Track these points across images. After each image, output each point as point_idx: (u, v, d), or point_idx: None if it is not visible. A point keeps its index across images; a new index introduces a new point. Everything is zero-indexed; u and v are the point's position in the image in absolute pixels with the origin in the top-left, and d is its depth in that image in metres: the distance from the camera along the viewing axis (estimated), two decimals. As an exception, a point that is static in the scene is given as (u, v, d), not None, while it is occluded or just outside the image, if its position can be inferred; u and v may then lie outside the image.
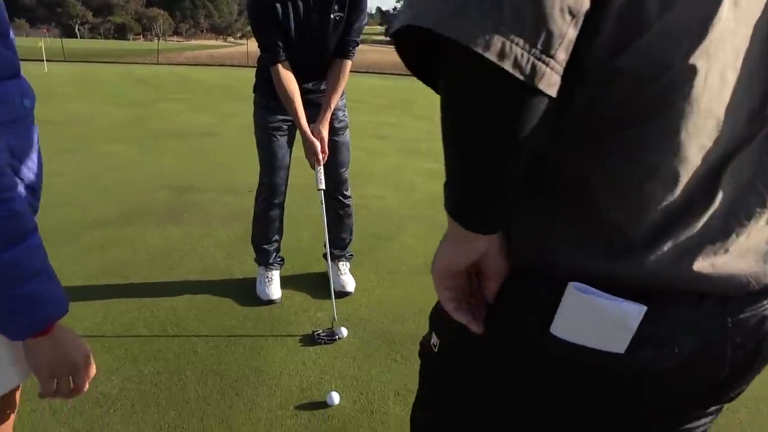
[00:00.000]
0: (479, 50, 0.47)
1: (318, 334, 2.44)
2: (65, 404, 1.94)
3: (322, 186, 2.54)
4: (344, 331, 2.46)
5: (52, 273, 0.87)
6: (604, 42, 0.51)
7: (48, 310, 0.85)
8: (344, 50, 2.42)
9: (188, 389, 2.08)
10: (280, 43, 2.28)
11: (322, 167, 2.51)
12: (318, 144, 2.43)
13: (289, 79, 2.33)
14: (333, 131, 2.57)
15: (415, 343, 2.47)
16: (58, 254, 3.13)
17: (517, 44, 0.47)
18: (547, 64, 0.48)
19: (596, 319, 0.61)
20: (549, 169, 0.61)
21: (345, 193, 2.76)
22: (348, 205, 2.80)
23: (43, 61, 19.38)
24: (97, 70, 19.92)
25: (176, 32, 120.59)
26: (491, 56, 0.47)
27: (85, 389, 0.94)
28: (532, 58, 0.47)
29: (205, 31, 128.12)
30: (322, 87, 2.51)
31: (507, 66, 0.47)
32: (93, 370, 0.95)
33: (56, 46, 29.49)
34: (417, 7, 0.50)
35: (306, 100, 2.43)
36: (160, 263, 3.14)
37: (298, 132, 2.50)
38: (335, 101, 2.46)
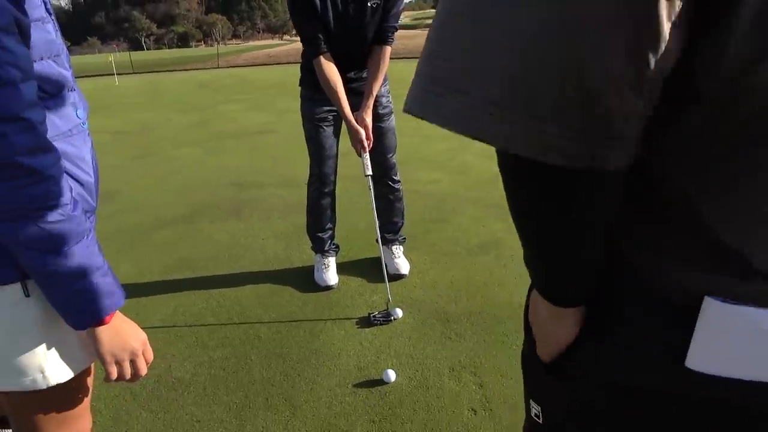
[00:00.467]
0: (517, 152, 0.40)
1: (374, 316, 2.50)
2: (144, 389, 2.11)
3: (370, 172, 2.59)
4: (399, 312, 2.52)
5: (108, 268, 0.97)
6: (730, 61, 0.41)
7: (106, 302, 0.94)
8: (383, 37, 2.45)
9: (254, 372, 2.20)
10: (320, 36, 2.34)
11: (368, 154, 2.56)
12: (362, 131, 2.48)
13: (331, 69, 2.39)
14: (378, 117, 2.61)
15: (470, 320, 2.50)
16: (133, 252, 3.37)
17: (563, 137, 0.39)
18: (610, 147, 0.40)
19: (749, 340, 0.48)
20: (657, 190, 0.51)
21: (394, 177, 2.80)
22: (398, 190, 2.84)
23: (113, 74, 20.52)
24: (162, 78, 20.89)
25: (235, 35, 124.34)
26: (533, 154, 0.40)
27: (144, 372, 1.04)
28: (585, 146, 0.39)
29: (261, 31, 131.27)
30: (364, 75, 2.56)
31: (556, 160, 0.40)
32: (150, 355, 1.05)
33: (125, 60, 31.15)
34: (432, 95, 0.44)
35: (349, 89, 2.48)
36: (225, 256, 3.31)
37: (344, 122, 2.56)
38: (377, 88, 2.50)
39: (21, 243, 0.85)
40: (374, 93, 2.48)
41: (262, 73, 20.83)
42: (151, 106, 11.76)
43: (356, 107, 2.49)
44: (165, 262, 3.26)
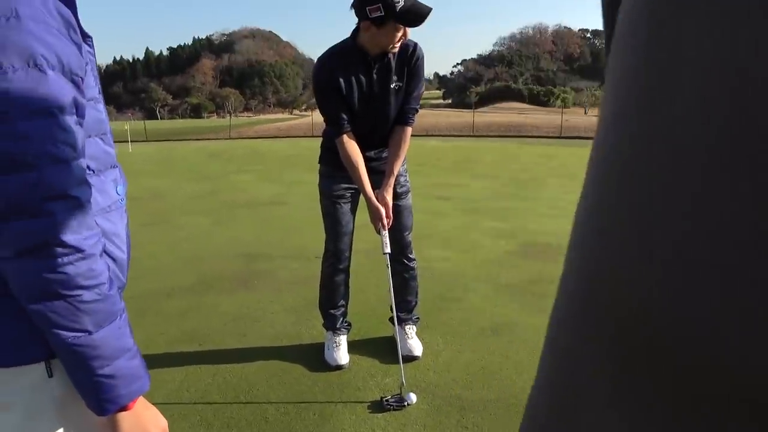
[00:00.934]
0: None
1: (387, 401, 2.41)
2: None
3: (388, 250, 2.58)
4: (413, 397, 2.43)
5: (136, 350, 0.94)
6: None
7: (131, 388, 0.90)
8: (404, 118, 2.53)
9: (260, 457, 2.10)
10: (344, 116, 2.41)
11: (387, 232, 2.56)
12: (383, 210, 2.50)
13: (353, 149, 2.44)
14: (396, 196, 2.64)
15: (487, 409, 2.40)
16: (142, 322, 3.31)
17: None
18: None
19: None
20: None
21: (409, 256, 2.79)
22: (413, 268, 2.83)
23: (128, 142, 21.10)
24: (174, 147, 21.42)
25: (246, 108, 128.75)
26: None
27: None
28: None
29: (272, 105, 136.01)
30: (384, 154, 2.61)
31: None
32: None
33: (139, 128, 32.12)
34: None
35: (370, 168, 2.53)
36: (233, 329, 3.24)
37: (361, 198, 2.59)
38: (398, 167, 2.54)
39: (53, 323, 0.83)
40: (395, 172, 2.52)
41: (273, 145, 21.37)
42: (162, 173, 11.98)
43: (377, 185, 2.52)
44: (172, 334, 3.20)
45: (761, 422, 0.21)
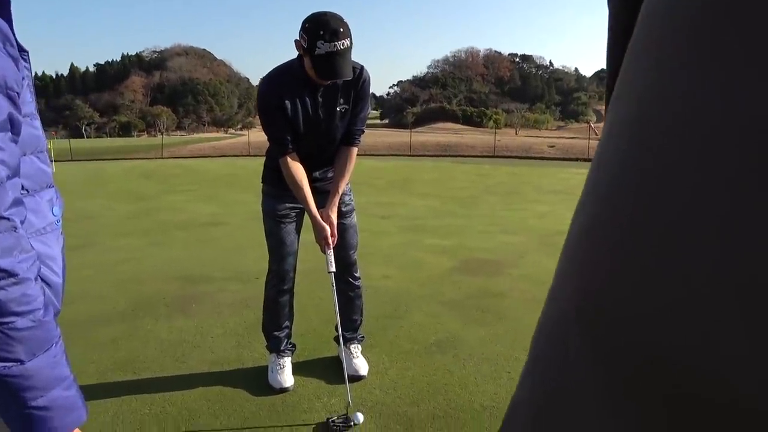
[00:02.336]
0: None
1: (333, 421, 2.38)
2: None
3: (333, 269, 2.57)
4: (360, 417, 2.41)
5: (72, 379, 0.89)
6: None
7: (67, 420, 0.85)
8: (351, 139, 2.55)
9: (203, 488, 2.01)
10: (288, 137, 2.40)
11: (332, 250, 2.56)
12: (328, 228, 2.50)
13: (297, 168, 2.43)
14: (341, 215, 2.64)
15: (434, 425, 2.41)
16: (71, 351, 3.07)
17: None
18: None
19: None
20: None
21: (355, 275, 2.79)
22: (358, 287, 2.83)
23: (52, 161, 19.99)
24: (103, 167, 20.50)
25: (179, 127, 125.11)
26: None
27: None
28: None
29: (207, 124, 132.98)
30: (330, 174, 2.61)
31: None
32: None
33: (64, 147, 30.54)
34: None
35: (315, 188, 2.52)
36: (171, 356, 3.11)
37: (306, 218, 2.57)
38: (343, 186, 2.55)
39: None
40: (340, 191, 2.53)
41: (208, 164, 20.86)
42: (91, 194, 11.42)
43: (322, 205, 2.52)
44: (103, 363, 3.03)
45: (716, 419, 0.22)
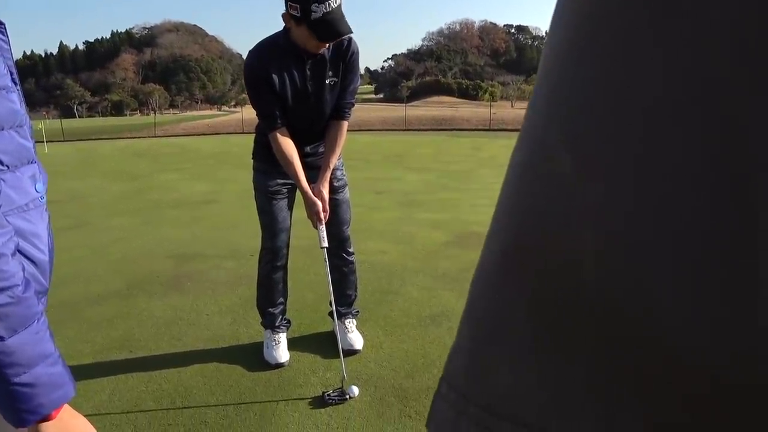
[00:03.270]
0: None
1: (328, 395, 2.40)
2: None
3: (325, 244, 2.56)
4: (355, 390, 2.43)
5: (58, 356, 0.87)
6: None
7: (53, 396, 0.84)
8: (341, 113, 2.51)
9: (200, 462, 2.03)
10: (277, 111, 2.36)
11: (324, 226, 2.54)
12: (319, 203, 2.47)
13: (287, 143, 2.40)
14: (333, 190, 2.62)
15: (428, 396, 2.43)
16: (65, 332, 3.12)
17: None
18: None
19: None
20: None
21: (348, 250, 2.78)
22: (352, 262, 2.82)
23: (43, 142, 19.82)
24: (95, 147, 20.34)
25: (172, 105, 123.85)
26: None
27: None
28: None
29: (200, 102, 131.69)
30: (320, 149, 2.58)
31: None
32: None
33: (56, 127, 30.24)
34: None
35: (306, 163, 2.49)
36: (166, 334, 3.12)
37: (298, 194, 2.55)
38: (334, 161, 2.52)
39: None
40: (331, 166, 2.50)
41: (201, 142, 20.70)
42: (83, 174, 11.34)
43: (313, 181, 2.49)
44: (99, 342, 3.03)
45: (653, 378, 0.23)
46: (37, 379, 0.82)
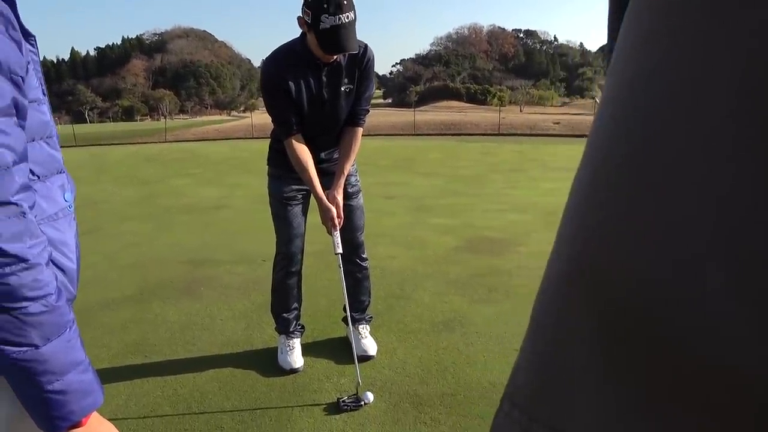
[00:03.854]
0: None
1: (343, 401, 2.40)
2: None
3: (340, 250, 2.57)
4: (370, 396, 2.43)
5: (88, 363, 0.89)
6: None
7: (83, 403, 0.85)
8: (355, 119, 2.52)
9: (217, 468, 2.04)
10: (293, 118, 2.37)
11: (338, 232, 2.55)
12: (334, 210, 2.49)
13: (302, 150, 2.41)
14: (347, 196, 2.63)
15: (443, 403, 2.43)
16: (81, 336, 3.14)
17: None
18: None
19: None
20: None
21: (362, 256, 2.79)
22: (365, 268, 2.83)
23: (55, 147, 20.01)
24: (107, 152, 20.51)
25: (182, 110, 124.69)
26: None
27: None
28: None
29: (209, 107, 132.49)
30: (335, 156, 2.59)
31: None
32: None
33: (67, 132, 30.54)
34: None
35: (321, 170, 2.51)
36: (181, 339, 3.14)
37: (312, 199, 2.56)
38: (348, 167, 2.53)
39: None
40: (346, 172, 2.52)
41: (211, 147, 20.83)
42: (96, 179, 11.44)
43: (328, 187, 2.50)
44: (114, 347, 3.06)
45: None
46: (68, 387, 0.83)
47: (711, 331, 0.23)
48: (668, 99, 0.25)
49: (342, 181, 2.51)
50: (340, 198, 2.51)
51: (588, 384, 0.28)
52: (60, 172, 0.99)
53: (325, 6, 2.10)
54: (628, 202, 0.26)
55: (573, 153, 14.68)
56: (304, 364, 2.74)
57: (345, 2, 2.12)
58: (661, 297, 0.24)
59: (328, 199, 2.48)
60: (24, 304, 0.78)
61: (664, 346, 0.24)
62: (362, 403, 2.39)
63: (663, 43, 0.26)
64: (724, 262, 0.22)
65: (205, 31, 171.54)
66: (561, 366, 0.29)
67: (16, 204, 0.78)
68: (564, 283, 0.30)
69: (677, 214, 0.24)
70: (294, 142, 2.39)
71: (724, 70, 0.23)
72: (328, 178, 2.52)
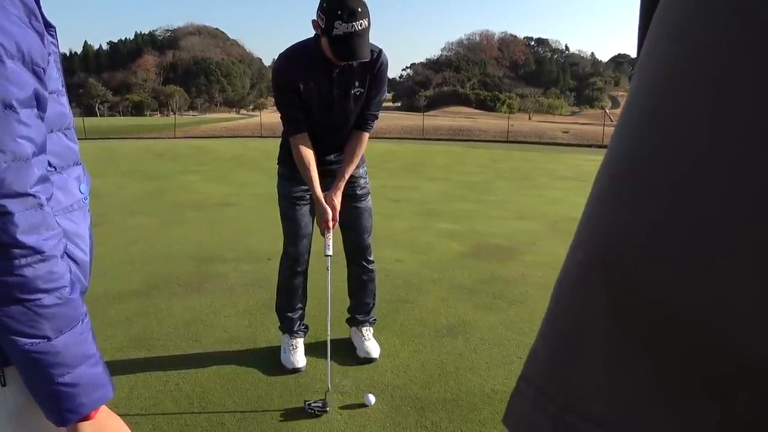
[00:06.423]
0: None
1: (309, 405, 2.34)
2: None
3: (330, 252, 2.58)
4: (372, 398, 2.43)
5: (99, 356, 0.89)
6: None
7: (94, 396, 0.85)
8: (363, 124, 2.52)
9: (217, 464, 2.04)
10: (300, 116, 2.39)
11: (331, 234, 2.55)
12: (330, 211, 2.49)
13: (306, 149, 2.42)
14: (355, 198, 2.64)
15: (445, 408, 2.42)
16: (84, 329, 3.15)
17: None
18: None
19: None
20: None
21: (368, 258, 2.79)
22: (372, 271, 2.83)
23: (65, 139, 20.13)
24: (116, 146, 20.61)
25: (191, 107, 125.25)
26: None
27: None
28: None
29: (219, 104, 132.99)
30: (341, 158, 2.60)
31: None
32: None
33: (77, 125, 30.61)
34: None
35: (327, 171, 2.51)
36: (185, 334, 3.15)
37: (320, 200, 2.57)
38: (350, 171, 2.53)
39: (9, 328, 0.78)
40: (347, 176, 2.51)
41: (220, 145, 20.90)
42: (104, 173, 11.49)
43: (330, 188, 2.51)
44: (118, 340, 3.07)
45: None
46: (79, 379, 0.84)
47: (735, 323, 0.24)
48: (694, 99, 0.26)
49: (342, 184, 2.51)
50: (337, 201, 2.51)
51: (604, 367, 0.29)
52: (76, 164, 1.00)
53: (339, 13, 2.10)
54: (652, 197, 0.27)
55: (581, 162, 14.65)
56: (307, 363, 2.74)
57: (359, 9, 2.12)
58: (686, 290, 0.25)
59: (325, 200, 2.48)
60: (38, 295, 0.79)
61: (687, 336, 0.25)
62: (327, 409, 2.34)
63: (688, 45, 0.27)
64: (748, 257, 0.23)
65: (217, 29, 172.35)
66: (578, 349, 0.31)
67: (34, 196, 0.79)
68: (584, 271, 0.31)
69: (702, 210, 0.25)
70: (299, 139, 2.40)
71: (748, 71, 0.24)
72: (332, 179, 2.53)
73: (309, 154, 2.43)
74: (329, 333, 2.67)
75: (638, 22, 0.41)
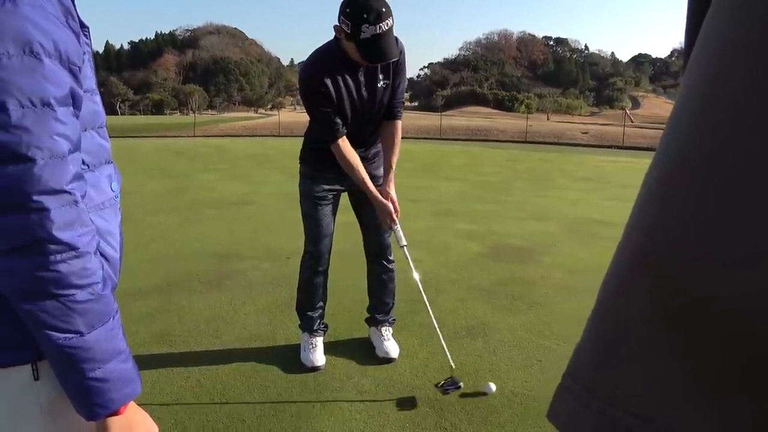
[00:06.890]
0: None
1: (440, 385, 2.49)
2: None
3: (404, 242, 2.60)
4: (493, 387, 2.49)
5: (129, 353, 0.90)
6: None
7: (123, 392, 0.87)
8: (392, 112, 2.54)
9: (238, 460, 2.06)
10: (338, 120, 2.37)
11: (399, 225, 2.57)
12: (390, 205, 2.50)
13: (351, 151, 2.42)
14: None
15: (464, 410, 2.41)
16: (107, 324, 3.20)
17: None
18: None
19: None
20: None
21: (389, 257, 2.80)
22: (392, 270, 2.83)
23: (87, 137, 20.42)
24: (136, 144, 20.87)
25: (210, 106, 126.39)
26: None
27: None
28: None
29: (237, 103, 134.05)
30: (373, 151, 2.61)
31: None
32: None
33: (100, 123, 31.15)
34: None
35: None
36: (205, 331, 3.18)
37: (342, 199, 2.58)
38: (395, 160, 2.57)
39: (43, 323, 0.79)
40: (394, 165, 2.56)
41: (239, 144, 21.06)
42: (125, 171, 11.53)
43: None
44: (140, 336, 3.11)
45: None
46: (109, 375, 0.85)
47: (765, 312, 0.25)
48: (737, 98, 0.26)
49: (392, 175, 2.56)
50: (393, 192, 2.54)
51: (648, 365, 0.30)
52: (108, 162, 1.01)
53: (365, 16, 2.09)
54: (694, 197, 0.28)
55: (600, 164, 14.49)
56: (326, 362, 2.76)
57: (383, 9, 2.11)
58: (729, 287, 0.26)
59: (381, 194, 2.50)
60: (72, 291, 0.80)
61: (728, 332, 0.26)
62: (459, 384, 2.48)
63: (734, 42, 0.27)
64: None
65: (236, 28, 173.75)
66: (622, 347, 0.31)
67: (70, 192, 0.80)
68: (630, 271, 0.32)
69: (744, 207, 0.25)
70: (341, 144, 2.39)
71: None
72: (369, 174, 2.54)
73: (354, 156, 2.44)
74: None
75: (685, 25, 0.41)
